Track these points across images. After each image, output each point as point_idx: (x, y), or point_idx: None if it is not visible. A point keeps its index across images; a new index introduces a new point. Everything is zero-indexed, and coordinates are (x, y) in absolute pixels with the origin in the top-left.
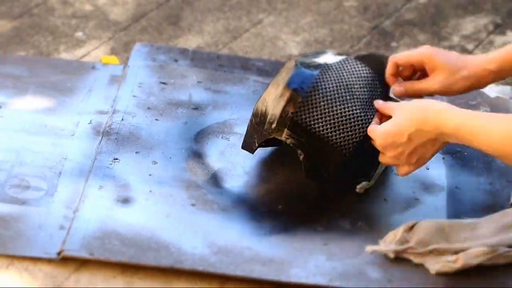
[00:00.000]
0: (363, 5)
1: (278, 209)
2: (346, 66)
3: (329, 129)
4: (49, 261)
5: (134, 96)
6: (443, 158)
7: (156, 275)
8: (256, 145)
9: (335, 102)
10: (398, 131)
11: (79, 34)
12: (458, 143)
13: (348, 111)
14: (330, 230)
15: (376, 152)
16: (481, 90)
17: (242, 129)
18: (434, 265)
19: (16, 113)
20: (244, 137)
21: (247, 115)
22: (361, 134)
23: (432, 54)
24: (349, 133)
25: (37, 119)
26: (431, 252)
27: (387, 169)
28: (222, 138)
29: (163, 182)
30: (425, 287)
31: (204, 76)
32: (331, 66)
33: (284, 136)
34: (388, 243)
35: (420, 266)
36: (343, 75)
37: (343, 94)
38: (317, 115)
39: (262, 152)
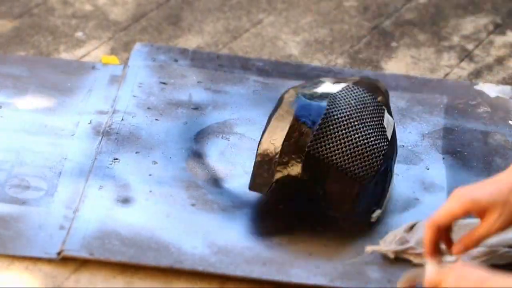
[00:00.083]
0: (363, 5)
1: (278, 209)
2: (351, 94)
3: (346, 160)
4: (49, 261)
5: (134, 96)
6: (443, 158)
7: (156, 275)
8: (269, 184)
9: (350, 132)
10: None
11: (79, 34)
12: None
13: (363, 140)
14: (330, 230)
15: (387, 179)
16: (481, 90)
17: (242, 129)
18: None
19: (16, 113)
20: (252, 178)
21: (247, 115)
22: (378, 163)
23: (474, 197)
24: (367, 163)
25: (37, 119)
26: None
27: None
28: (222, 138)
29: (163, 182)
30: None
31: (204, 76)
32: (337, 96)
33: (299, 171)
34: (388, 243)
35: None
36: (351, 104)
37: (355, 123)
38: (333, 146)
39: None
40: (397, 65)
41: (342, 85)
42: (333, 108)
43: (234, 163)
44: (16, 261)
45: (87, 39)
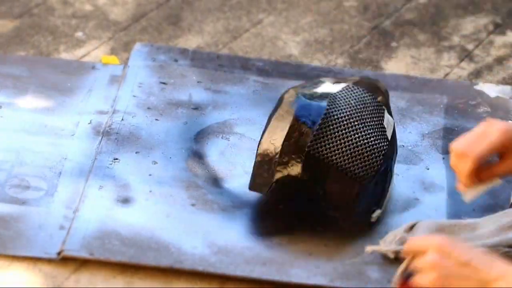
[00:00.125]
0: (363, 5)
1: (278, 209)
2: (351, 94)
3: (346, 160)
4: (49, 261)
5: (134, 96)
6: (443, 158)
7: (156, 275)
8: (269, 184)
9: (350, 132)
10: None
11: (79, 34)
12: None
13: (363, 140)
14: (330, 230)
15: (387, 179)
16: (481, 90)
17: (242, 129)
18: None
19: (16, 113)
20: (252, 178)
21: (247, 115)
22: (378, 163)
23: (510, 130)
24: (367, 163)
25: (37, 119)
26: None
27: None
28: (222, 138)
29: (163, 182)
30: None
31: (204, 76)
32: (337, 96)
33: (299, 171)
34: (388, 243)
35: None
36: (351, 104)
37: (355, 123)
38: (333, 146)
39: None
40: (397, 65)
41: (342, 85)
42: (333, 108)
43: (234, 163)
44: (16, 261)
45: (87, 39)
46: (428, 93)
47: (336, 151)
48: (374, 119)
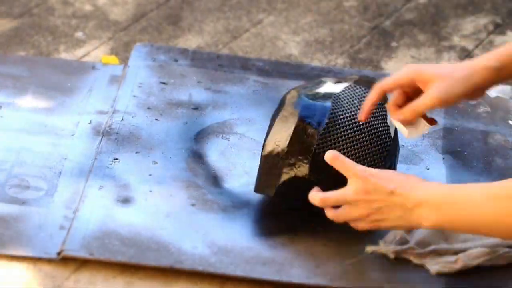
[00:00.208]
0: (363, 5)
1: (279, 209)
2: (354, 93)
3: (353, 159)
4: (49, 261)
5: (134, 96)
6: (443, 158)
7: (156, 275)
8: (276, 185)
9: (354, 132)
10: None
11: (79, 34)
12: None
13: (368, 138)
14: (330, 230)
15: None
16: None
17: (242, 129)
18: (434, 265)
19: (16, 113)
20: (257, 180)
21: (247, 115)
22: (383, 161)
23: (421, 68)
24: (373, 161)
25: (37, 119)
26: (431, 252)
27: None
28: (222, 138)
29: (163, 182)
30: (425, 287)
31: (204, 76)
32: (340, 95)
33: (306, 172)
34: (388, 243)
35: (420, 266)
36: (355, 103)
37: (360, 122)
38: (339, 146)
39: None
40: (397, 65)
41: (344, 84)
42: (338, 108)
43: (234, 163)
44: (16, 261)
45: (87, 39)
46: None
47: (343, 151)
48: (378, 117)
